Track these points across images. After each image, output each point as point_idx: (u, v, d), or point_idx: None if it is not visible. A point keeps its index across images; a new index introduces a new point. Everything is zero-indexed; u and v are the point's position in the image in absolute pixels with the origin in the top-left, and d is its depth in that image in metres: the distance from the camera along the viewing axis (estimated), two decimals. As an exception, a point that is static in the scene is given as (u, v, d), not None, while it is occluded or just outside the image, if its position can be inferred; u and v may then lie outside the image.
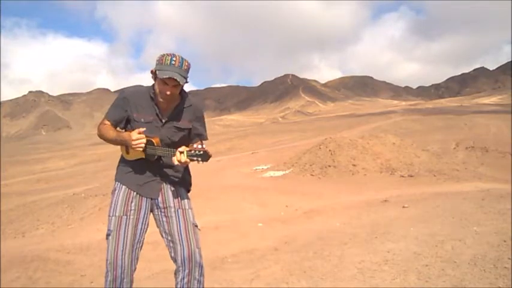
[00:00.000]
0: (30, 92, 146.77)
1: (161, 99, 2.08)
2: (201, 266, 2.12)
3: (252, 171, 15.54)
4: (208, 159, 2.02)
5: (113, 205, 2.12)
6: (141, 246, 2.13)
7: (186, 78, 2.05)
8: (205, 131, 2.29)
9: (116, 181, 2.19)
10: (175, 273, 2.11)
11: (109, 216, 2.11)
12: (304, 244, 4.99)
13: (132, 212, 2.10)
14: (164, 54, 2.05)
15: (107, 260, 2.04)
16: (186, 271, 2.07)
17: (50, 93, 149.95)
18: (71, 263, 5.30)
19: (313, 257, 4.23)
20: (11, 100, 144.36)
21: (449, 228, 4.63)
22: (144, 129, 2.07)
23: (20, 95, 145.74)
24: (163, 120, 2.13)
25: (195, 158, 2.01)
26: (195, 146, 2.02)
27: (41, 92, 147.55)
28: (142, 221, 2.13)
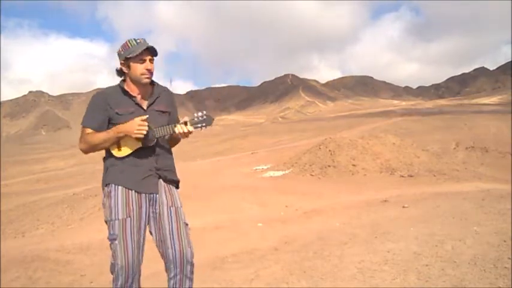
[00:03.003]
0: (30, 92, 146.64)
1: (146, 80, 2.11)
2: (192, 265, 2.12)
3: (252, 171, 15.54)
4: (212, 122, 2.02)
5: (113, 209, 2.05)
6: (144, 242, 2.12)
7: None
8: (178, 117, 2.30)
9: (108, 184, 2.11)
10: (166, 270, 2.11)
11: (110, 220, 2.05)
12: (304, 244, 4.99)
13: (134, 212, 2.06)
14: (126, 41, 2.10)
15: (116, 265, 1.99)
16: (178, 269, 2.08)
17: (50, 93, 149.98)
18: (71, 263, 5.30)
19: (313, 257, 4.23)
20: (11, 100, 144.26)
21: (449, 228, 4.63)
22: (147, 116, 2.07)
23: (20, 95, 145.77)
24: (144, 107, 2.15)
25: (199, 125, 2.01)
26: (195, 114, 2.02)
27: (41, 92, 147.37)
28: (144, 219, 2.11)
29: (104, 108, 2.11)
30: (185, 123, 2.05)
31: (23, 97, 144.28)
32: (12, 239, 8.87)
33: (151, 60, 2.11)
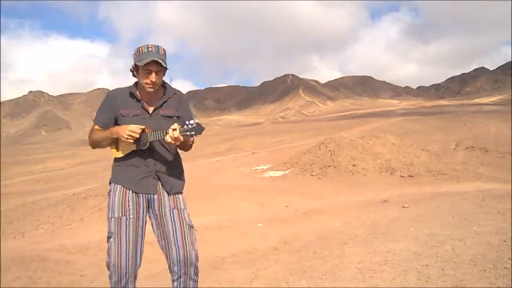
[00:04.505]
0: (30, 92, 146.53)
1: (149, 90, 2.12)
2: (195, 267, 2.13)
3: (252, 171, 15.52)
4: (202, 131, 2.05)
5: (110, 207, 2.11)
6: (143, 244, 2.14)
7: (165, 62, 2.09)
8: (194, 118, 2.30)
9: (110, 183, 2.18)
10: (170, 272, 2.13)
11: (108, 218, 2.10)
12: (304, 244, 5.00)
13: (130, 211, 2.09)
14: (140, 46, 2.10)
15: (109, 262, 2.03)
16: (182, 271, 2.10)
17: (51, 93, 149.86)
18: (71, 263, 5.30)
19: (313, 257, 4.23)
20: (11, 100, 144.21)
21: (449, 228, 4.63)
22: (144, 126, 2.10)
23: (21, 95, 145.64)
24: (150, 112, 2.17)
25: (188, 133, 2.04)
26: (186, 122, 2.05)
27: (41, 92, 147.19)
28: (142, 219, 2.13)
29: (111, 108, 2.17)
30: (174, 130, 2.06)
31: (23, 97, 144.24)
32: (12, 239, 8.86)
33: (158, 72, 2.09)
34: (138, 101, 2.16)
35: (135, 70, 2.14)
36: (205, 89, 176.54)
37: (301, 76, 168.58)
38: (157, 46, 2.10)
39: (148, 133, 2.11)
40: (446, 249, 3.79)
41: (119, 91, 2.22)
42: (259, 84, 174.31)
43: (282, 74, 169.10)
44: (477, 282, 2.96)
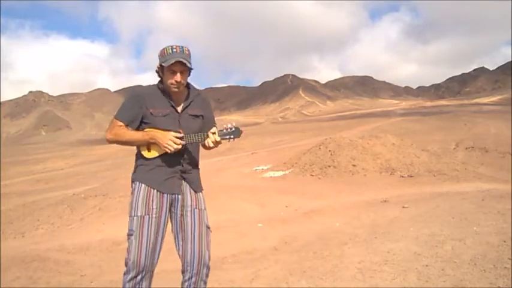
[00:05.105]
0: (30, 92, 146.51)
1: (174, 90, 2.14)
2: (208, 268, 2.16)
3: (252, 172, 15.52)
4: (240, 134, 2.09)
5: (133, 205, 2.12)
6: (162, 243, 2.16)
7: (190, 62, 2.11)
8: (214, 119, 2.35)
9: (134, 181, 2.18)
10: (182, 272, 2.14)
11: (130, 216, 2.12)
12: (304, 244, 5.00)
13: (154, 211, 2.11)
14: (164, 47, 2.12)
15: (128, 260, 2.05)
16: (194, 271, 2.11)
17: (51, 93, 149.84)
18: (71, 263, 5.31)
19: (313, 257, 4.23)
20: (11, 100, 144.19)
21: (449, 228, 4.63)
22: (182, 135, 2.10)
23: (21, 95, 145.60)
24: (179, 111, 2.18)
25: (227, 137, 2.08)
26: (224, 126, 2.10)
27: (41, 92, 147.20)
28: (164, 219, 2.15)
29: (139, 106, 2.15)
30: (214, 134, 2.10)
31: (23, 97, 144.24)
32: (12, 239, 8.87)
33: (182, 72, 2.11)
34: (167, 99, 2.16)
35: (161, 71, 2.16)
36: (205, 89, 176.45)
37: (301, 76, 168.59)
38: (182, 46, 2.11)
39: (186, 136, 2.11)
40: (446, 249, 3.80)
41: (144, 90, 2.20)
42: (259, 84, 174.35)
43: (282, 74, 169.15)
44: (477, 282, 2.96)
